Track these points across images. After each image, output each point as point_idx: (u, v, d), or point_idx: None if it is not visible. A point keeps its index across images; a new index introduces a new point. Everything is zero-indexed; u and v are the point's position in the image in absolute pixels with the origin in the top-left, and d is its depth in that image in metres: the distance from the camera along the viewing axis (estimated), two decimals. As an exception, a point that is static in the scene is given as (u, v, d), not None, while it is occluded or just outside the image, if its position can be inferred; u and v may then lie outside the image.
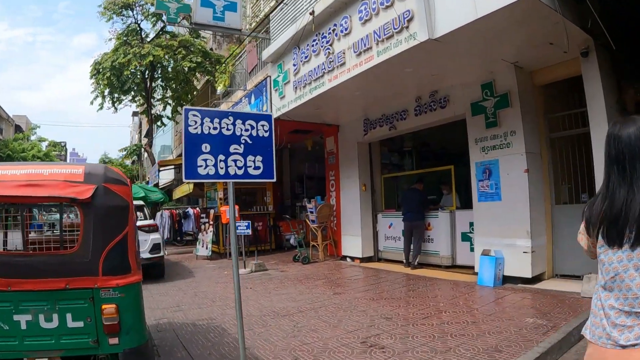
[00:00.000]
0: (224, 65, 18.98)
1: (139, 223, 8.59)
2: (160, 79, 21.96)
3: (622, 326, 1.72)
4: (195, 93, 22.74)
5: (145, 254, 9.94)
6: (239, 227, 11.05)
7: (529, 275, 7.79)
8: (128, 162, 47.61)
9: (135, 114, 44.12)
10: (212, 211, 16.08)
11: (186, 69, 20.13)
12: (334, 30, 8.76)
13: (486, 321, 5.86)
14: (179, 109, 21.58)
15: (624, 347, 1.69)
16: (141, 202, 12.54)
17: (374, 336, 5.50)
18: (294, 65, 10.30)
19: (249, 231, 11.58)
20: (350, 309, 6.93)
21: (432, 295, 7.59)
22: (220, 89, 18.83)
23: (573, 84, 7.73)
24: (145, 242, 10.20)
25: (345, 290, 8.53)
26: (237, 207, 10.68)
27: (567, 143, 8.18)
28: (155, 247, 10.56)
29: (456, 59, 7.90)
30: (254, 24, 17.06)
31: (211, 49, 22.04)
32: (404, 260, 10.70)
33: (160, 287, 9.75)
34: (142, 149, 33.82)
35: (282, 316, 6.72)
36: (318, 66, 9.34)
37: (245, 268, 11.46)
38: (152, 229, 10.90)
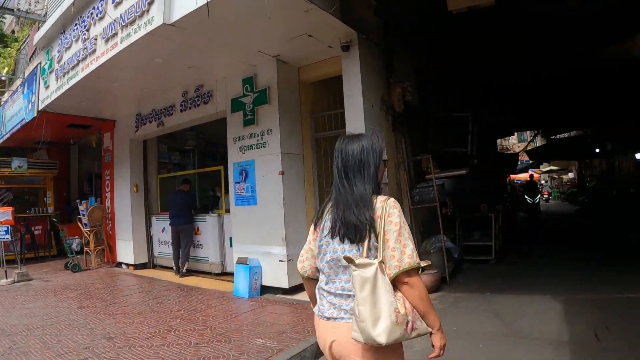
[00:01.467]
0: (9, 48, 15.98)
1: None
2: None
3: (329, 303, 2.08)
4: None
5: None
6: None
7: (286, 285, 7.14)
8: None
9: None
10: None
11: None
12: (92, 13, 7.30)
13: (211, 343, 5.10)
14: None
15: (328, 318, 2.07)
16: None
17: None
18: (58, 51, 8.54)
19: (9, 237, 9.55)
20: (80, 327, 5.98)
21: (177, 309, 6.66)
22: (4, 74, 15.75)
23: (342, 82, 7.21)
24: None
25: (94, 303, 7.36)
26: (10, 208, 9.69)
27: (333, 144, 7.58)
28: None
29: (213, 50, 6.96)
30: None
31: (13, 32, 18.75)
32: (174, 268, 9.47)
33: None
34: None
35: (6, 335, 5.74)
36: (75, 53, 7.82)
37: (7, 278, 9.50)
38: None
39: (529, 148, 23.35)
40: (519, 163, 26.09)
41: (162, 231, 10.39)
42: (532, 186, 15.31)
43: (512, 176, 27.67)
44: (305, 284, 2.48)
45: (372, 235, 1.96)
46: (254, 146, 7.51)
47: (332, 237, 2.08)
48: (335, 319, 2.02)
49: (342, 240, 2.03)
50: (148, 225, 10.91)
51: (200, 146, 12.14)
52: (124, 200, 10.97)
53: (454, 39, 8.95)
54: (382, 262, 1.92)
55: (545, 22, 8.49)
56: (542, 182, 38.61)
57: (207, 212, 9.50)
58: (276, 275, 7.19)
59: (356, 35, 6.48)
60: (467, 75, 10.98)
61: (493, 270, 8.54)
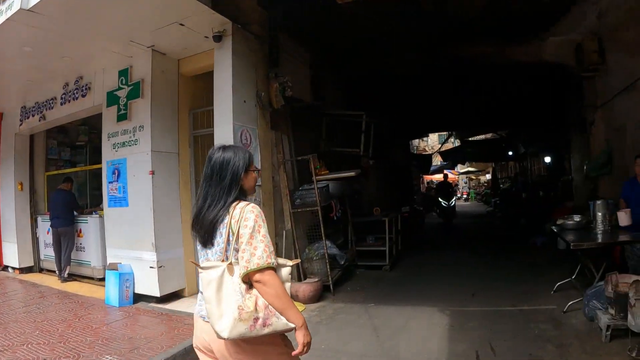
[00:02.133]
0: None
1: None
2: None
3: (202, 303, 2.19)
4: None
5: None
6: None
7: (157, 294, 6.60)
8: None
9: None
10: None
11: None
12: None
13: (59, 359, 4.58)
14: None
15: (203, 317, 2.19)
16: None
17: None
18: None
19: None
20: None
21: (42, 319, 5.99)
22: None
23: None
24: None
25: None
26: None
27: (211, 142, 7.11)
28: None
29: (84, 39, 6.32)
30: None
31: None
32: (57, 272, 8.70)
33: None
34: None
35: None
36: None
37: None
38: None
39: (442, 149, 23.72)
40: (432, 164, 26.56)
41: (48, 232, 9.55)
42: (446, 188, 14.87)
43: (427, 177, 28.19)
44: None
45: (232, 238, 2.11)
46: (126, 143, 6.92)
47: (202, 244, 2.25)
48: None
49: (205, 245, 2.22)
50: (34, 226, 10.01)
51: (93, 142, 11.26)
52: (8, 198, 10.01)
53: (350, 34, 8.63)
54: (234, 263, 2.11)
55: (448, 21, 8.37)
56: (463, 183, 39.66)
57: (91, 213, 8.76)
58: (148, 283, 6.65)
59: (230, 24, 6.04)
60: (367, 73, 10.71)
61: (385, 277, 8.20)
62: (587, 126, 9.25)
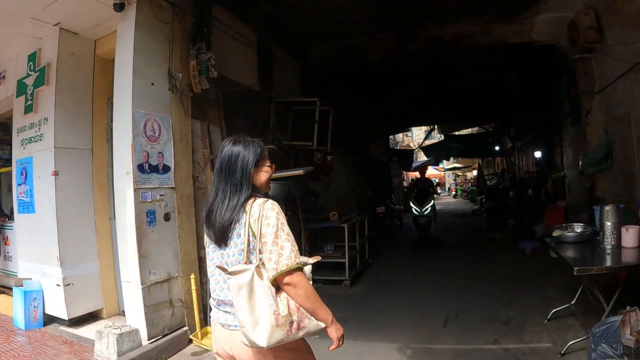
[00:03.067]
0: None
1: None
2: None
3: (223, 311, 2.04)
4: None
5: None
6: None
7: (65, 316, 5.31)
8: None
9: None
10: None
11: None
12: None
13: None
14: None
15: (222, 325, 2.04)
16: None
17: None
18: None
19: None
20: None
21: None
22: None
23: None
24: None
25: None
26: None
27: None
28: None
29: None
30: None
31: None
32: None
33: None
34: None
35: None
36: None
37: None
38: None
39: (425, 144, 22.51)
40: (417, 160, 25.27)
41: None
42: (423, 189, 11.83)
43: (411, 174, 26.76)
44: None
45: (252, 239, 1.94)
46: (32, 139, 5.59)
47: (215, 243, 2.07)
48: (229, 326, 2.01)
49: (219, 246, 2.04)
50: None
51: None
52: None
53: (311, 10, 7.34)
54: (260, 265, 1.92)
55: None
56: (450, 180, 38.36)
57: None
58: (57, 302, 5.37)
59: (135, -9, 4.76)
60: (335, 57, 9.37)
61: (344, 294, 6.76)
62: (583, 116, 8.06)
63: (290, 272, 1.89)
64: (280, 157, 7.51)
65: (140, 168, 4.70)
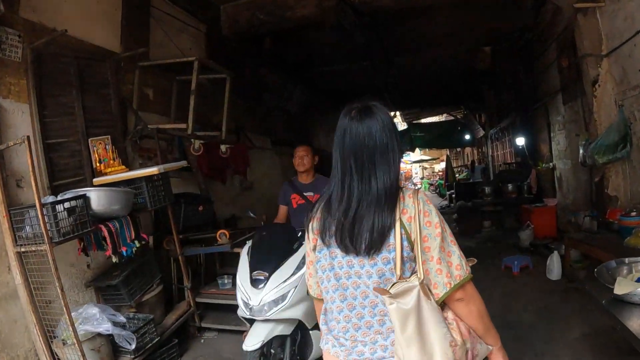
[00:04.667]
0: None
1: None
2: None
3: (351, 340, 1.45)
4: None
5: None
6: None
7: None
8: None
9: None
10: None
11: None
12: None
13: None
14: None
15: None
16: None
17: None
18: None
19: None
20: None
21: None
22: None
23: None
24: None
25: None
26: None
27: None
28: None
29: None
30: None
31: None
32: None
33: None
34: None
35: None
36: None
37: None
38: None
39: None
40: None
41: None
42: None
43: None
44: (316, 307, 1.72)
45: (406, 243, 1.38)
46: None
47: (346, 251, 1.42)
48: None
49: (346, 251, 1.42)
50: None
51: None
52: None
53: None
54: (422, 280, 1.36)
55: None
56: (414, 173, 36.27)
57: None
58: None
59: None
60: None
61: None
62: (586, 87, 5.81)
63: (463, 284, 1.37)
64: (163, 149, 5.05)
65: None
